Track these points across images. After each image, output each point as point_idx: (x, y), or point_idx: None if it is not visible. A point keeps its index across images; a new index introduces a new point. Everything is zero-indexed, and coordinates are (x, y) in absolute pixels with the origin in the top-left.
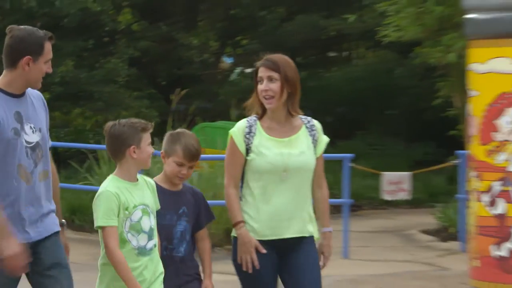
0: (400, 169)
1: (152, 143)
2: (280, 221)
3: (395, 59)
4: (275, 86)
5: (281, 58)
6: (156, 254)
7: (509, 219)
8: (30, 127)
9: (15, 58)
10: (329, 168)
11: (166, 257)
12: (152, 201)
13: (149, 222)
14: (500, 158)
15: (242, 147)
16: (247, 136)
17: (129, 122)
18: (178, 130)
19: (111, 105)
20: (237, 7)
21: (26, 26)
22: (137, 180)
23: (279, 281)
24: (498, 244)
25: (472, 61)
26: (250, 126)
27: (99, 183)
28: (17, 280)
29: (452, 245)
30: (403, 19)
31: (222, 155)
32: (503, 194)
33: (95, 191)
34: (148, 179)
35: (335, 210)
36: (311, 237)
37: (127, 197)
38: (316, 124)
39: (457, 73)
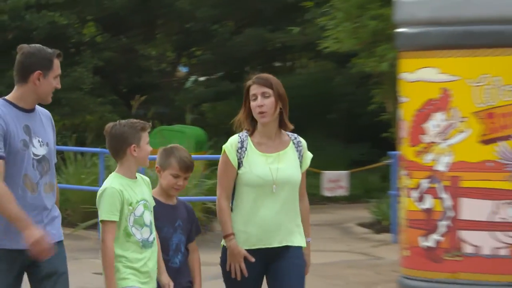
0: (338, 168)
1: None
2: (268, 231)
3: (334, 69)
4: (269, 101)
5: (270, 76)
6: (156, 247)
7: (435, 213)
8: (38, 141)
9: (26, 73)
10: None
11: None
12: (149, 196)
13: (150, 217)
14: (428, 158)
15: (234, 161)
16: (239, 151)
17: (129, 122)
18: (171, 145)
19: (77, 110)
20: (191, 21)
21: (35, 44)
22: (136, 177)
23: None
24: (426, 235)
25: (403, 71)
26: (242, 142)
27: (66, 181)
28: (19, 281)
29: (385, 236)
30: (341, 33)
31: None
32: (430, 190)
33: (61, 189)
34: (144, 176)
35: None
36: (298, 247)
37: (130, 193)
38: (302, 141)
39: (389, 81)
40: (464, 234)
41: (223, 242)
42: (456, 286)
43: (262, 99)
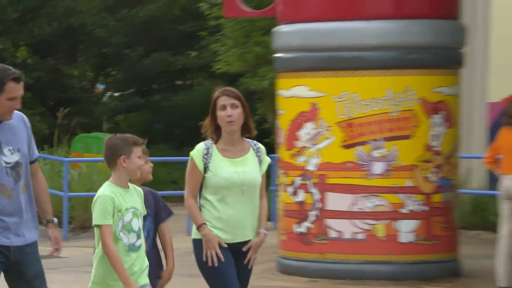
0: None
1: (42, 149)
2: (237, 227)
3: (225, 86)
4: (238, 112)
5: (235, 89)
6: (142, 251)
7: (306, 204)
8: (9, 149)
9: None
10: (175, 166)
11: None
12: (140, 205)
13: (138, 223)
14: (300, 160)
15: (200, 166)
16: (205, 157)
17: (123, 136)
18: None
19: None
20: (107, 46)
21: None
22: (129, 187)
23: None
24: (299, 223)
25: (280, 88)
26: (207, 149)
27: None
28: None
29: (267, 224)
30: (230, 57)
31: (97, 158)
32: (302, 186)
33: None
34: (137, 187)
35: (181, 199)
36: None
37: (120, 201)
38: (261, 147)
39: (269, 97)
40: (330, 222)
41: (194, 235)
42: (323, 265)
43: (231, 109)
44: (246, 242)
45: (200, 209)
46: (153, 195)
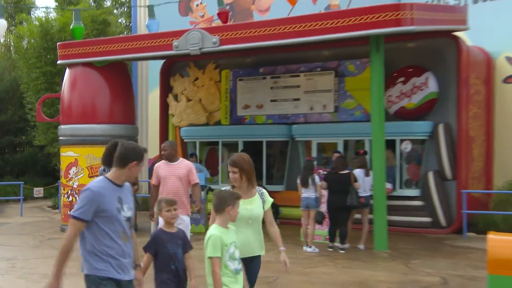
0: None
1: None
2: (247, 246)
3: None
4: (237, 176)
5: (238, 157)
6: (242, 274)
7: (73, 202)
8: (127, 207)
9: (126, 161)
10: (18, 188)
11: (174, 269)
12: (236, 239)
13: (238, 253)
14: (70, 183)
15: None
16: None
17: (230, 191)
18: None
19: None
20: None
21: (131, 142)
22: (228, 227)
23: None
24: (70, 210)
25: (61, 152)
26: None
27: None
28: None
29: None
30: (42, 138)
31: None
32: (71, 194)
33: None
34: (232, 227)
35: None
36: (260, 255)
37: (225, 238)
38: (264, 192)
39: (57, 156)
40: None
41: None
42: None
43: (233, 174)
44: (252, 257)
45: None
46: (183, 233)
